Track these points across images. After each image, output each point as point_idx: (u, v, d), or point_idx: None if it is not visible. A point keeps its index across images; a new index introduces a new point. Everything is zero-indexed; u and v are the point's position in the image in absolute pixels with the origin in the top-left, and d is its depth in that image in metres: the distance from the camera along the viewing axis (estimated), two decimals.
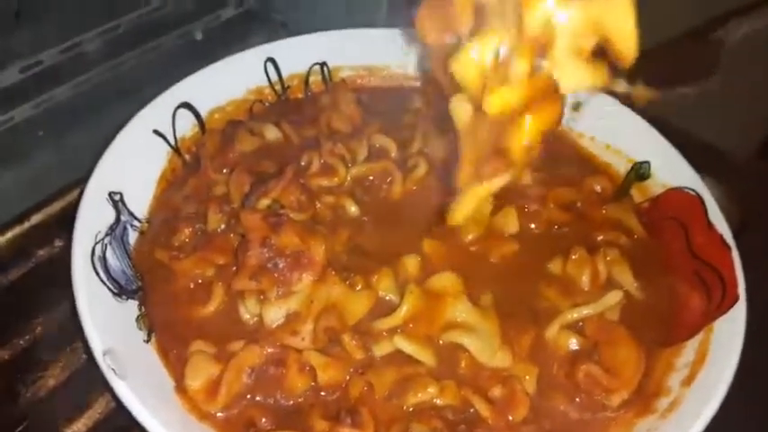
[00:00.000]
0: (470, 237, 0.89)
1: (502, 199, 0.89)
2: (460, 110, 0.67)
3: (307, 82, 1.10)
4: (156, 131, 0.94)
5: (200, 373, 0.73)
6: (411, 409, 0.72)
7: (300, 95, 1.10)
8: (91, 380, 0.81)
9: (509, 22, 0.61)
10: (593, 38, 0.61)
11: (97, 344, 0.69)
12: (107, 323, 0.73)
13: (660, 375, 0.77)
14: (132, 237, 0.86)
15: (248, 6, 1.40)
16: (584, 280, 0.83)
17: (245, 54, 1.05)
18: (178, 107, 0.97)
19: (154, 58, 1.26)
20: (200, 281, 0.82)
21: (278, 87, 1.08)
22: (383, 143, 1.00)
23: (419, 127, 1.01)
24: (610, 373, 0.74)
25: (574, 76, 0.61)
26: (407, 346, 0.75)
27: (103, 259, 0.79)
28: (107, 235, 0.82)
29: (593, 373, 0.74)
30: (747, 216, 1.03)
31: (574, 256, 0.84)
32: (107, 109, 1.15)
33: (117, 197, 0.85)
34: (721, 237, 0.86)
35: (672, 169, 0.96)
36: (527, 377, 0.75)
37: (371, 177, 0.96)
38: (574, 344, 0.78)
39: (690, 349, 0.78)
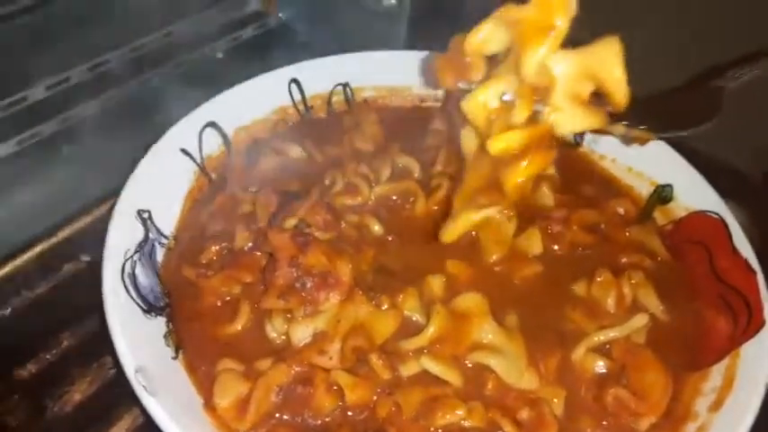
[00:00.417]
0: (494, 257, 0.89)
1: (525, 220, 0.90)
2: (469, 141, 0.77)
3: (329, 102, 1.11)
4: (183, 150, 0.95)
5: (228, 392, 0.73)
6: (439, 431, 0.72)
7: (323, 115, 1.11)
8: (117, 394, 0.82)
9: (512, 71, 0.70)
10: (589, 84, 0.70)
11: (129, 361, 0.70)
12: (137, 340, 0.73)
13: (688, 400, 0.77)
14: (160, 254, 0.87)
15: (269, 26, 1.42)
16: (610, 302, 0.83)
17: (271, 75, 1.06)
18: (205, 126, 0.98)
19: (176, 76, 1.28)
20: (227, 298, 0.83)
21: (301, 107, 1.09)
22: (406, 163, 1.01)
23: (441, 147, 1.02)
24: (637, 397, 0.74)
25: (571, 119, 0.70)
26: (434, 367, 0.75)
27: (133, 276, 0.80)
28: (136, 252, 0.83)
29: (621, 397, 0.74)
30: (767, 237, 1.03)
31: (599, 279, 0.84)
32: (130, 125, 1.17)
33: (146, 215, 0.86)
34: (746, 261, 0.86)
35: (695, 192, 0.96)
36: (555, 399, 0.75)
37: (395, 197, 0.97)
38: (601, 367, 0.78)
39: (716, 374, 0.78)
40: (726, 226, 0.90)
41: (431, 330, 0.77)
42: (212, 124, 0.99)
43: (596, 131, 0.84)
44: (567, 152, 1.05)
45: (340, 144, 1.04)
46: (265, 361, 0.76)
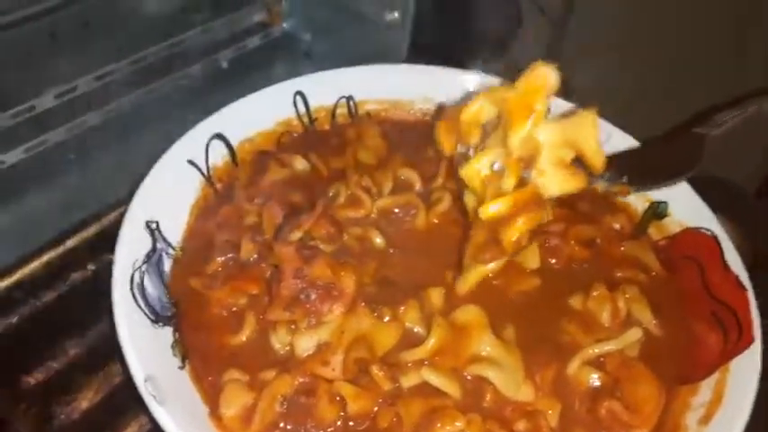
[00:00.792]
0: (492, 265, 0.91)
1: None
2: (471, 202, 0.85)
3: (333, 114, 1.13)
4: (190, 161, 0.97)
5: (234, 402, 0.75)
6: None
7: (327, 127, 1.13)
8: (124, 402, 0.84)
9: (501, 143, 0.79)
10: (570, 151, 0.79)
11: (138, 371, 0.72)
12: (146, 350, 0.75)
13: (677, 414, 0.79)
14: (167, 264, 0.89)
15: (273, 36, 1.44)
16: (605, 316, 0.86)
17: (276, 87, 1.08)
18: (212, 138, 1.00)
19: (182, 85, 1.30)
20: (233, 309, 0.85)
21: (305, 119, 1.11)
22: (408, 176, 1.03)
23: (443, 161, 1.04)
24: (630, 410, 0.77)
25: (556, 181, 0.79)
26: (434, 379, 0.77)
27: (141, 286, 0.82)
28: (144, 262, 0.85)
29: (614, 410, 0.76)
30: (759, 252, 1.06)
31: (595, 293, 0.87)
32: (136, 134, 1.20)
33: (153, 225, 0.88)
34: (737, 278, 0.88)
35: (689, 209, 0.98)
36: (550, 412, 0.77)
37: (396, 210, 0.99)
38: (595, 380, 0.80)
39: (706, 389, 0.80)
40: (718, 243, 0.93)
41: (431, 342, 0.79)
42: (219, 136, 1.01)
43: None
44: None
45: (343, 156, 1.06)
46: (270, 371, 0.78)
